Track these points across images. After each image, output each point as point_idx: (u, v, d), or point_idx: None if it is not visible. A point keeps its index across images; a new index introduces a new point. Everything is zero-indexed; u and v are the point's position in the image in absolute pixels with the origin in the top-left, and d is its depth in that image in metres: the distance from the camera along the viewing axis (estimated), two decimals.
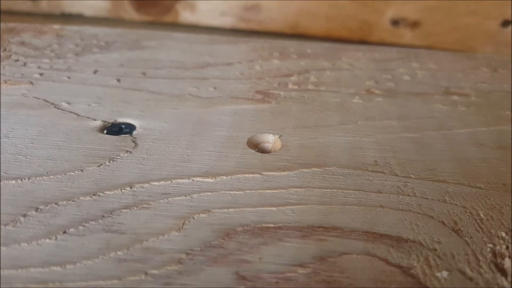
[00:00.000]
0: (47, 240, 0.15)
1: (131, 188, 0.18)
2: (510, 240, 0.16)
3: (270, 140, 0.21)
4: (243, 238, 0.16)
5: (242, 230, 0.16)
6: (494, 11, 0.32)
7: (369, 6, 0.33)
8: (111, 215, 0.16)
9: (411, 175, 0.19)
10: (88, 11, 0.41)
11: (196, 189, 0.18)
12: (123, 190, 0.18)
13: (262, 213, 0.17)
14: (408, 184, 0.19)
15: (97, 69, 0.27)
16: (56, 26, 0.33)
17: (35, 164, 0.19)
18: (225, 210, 0.17)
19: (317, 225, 0.16)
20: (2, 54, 0.28)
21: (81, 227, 0.16)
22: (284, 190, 0.18)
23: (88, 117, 0.22)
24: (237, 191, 0.18)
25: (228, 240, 0.16)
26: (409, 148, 0.21)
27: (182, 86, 0.26)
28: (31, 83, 0.25)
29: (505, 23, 0.32)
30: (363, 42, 0.33)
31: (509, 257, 0.15)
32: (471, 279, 0.15)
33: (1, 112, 0.22)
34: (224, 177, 0.18)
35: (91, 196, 0.17)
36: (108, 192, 0.17)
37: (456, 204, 0.18)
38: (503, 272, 0.15)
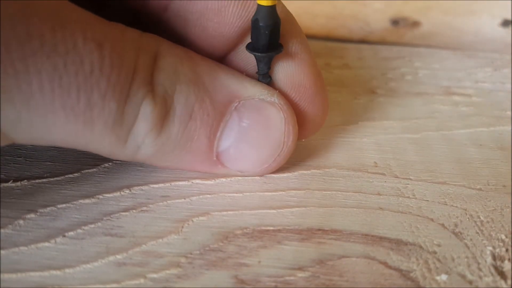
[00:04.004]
0: (46, 244, 0.15)
1: (130, 190, 0.18)
2: (510, 243, 0.16)
3: None
4: (242, 241, 0.16)
5: (241, 233, 0.16)
6: (494, 11, 0.32)
7: (369, 6, 0.33)
8: (110, 218, 0.16)
9: (411, 177, 0.19)
10: None
11: (195, 191, 0.18)
12: (122, 193, 0.18)
13: (261, 215, 0.17)
14: (408, 186, 0.19)
15: None
16: None
17: (34, 166, 0.19)
18: (224, 212, 0.17)
19: (317, 227, 0.16)
20: None
21: (80, 231, 0.16)
22: (283, 192, 0.18)
23: None
24: (236, 193, 0.18)
25: (227, 243, 0.16)
26: (409, 149, 0.21)
27: None
28: None
29: (505, 23, 0.32)
30: (363, 41, 0.33)
31: (509, 260, 0.15)
32: (470, 282, 0.14)
33: None
34: (223, 179, 0.18)
35: (90, 199, 0.17)
36: (107, 195, 0.17)
37: (456, 206, 0.18)
38: (502, 275, 0.15)
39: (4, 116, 0.13)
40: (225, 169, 0.18)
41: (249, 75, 0.18)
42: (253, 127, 0.17)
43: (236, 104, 0.17)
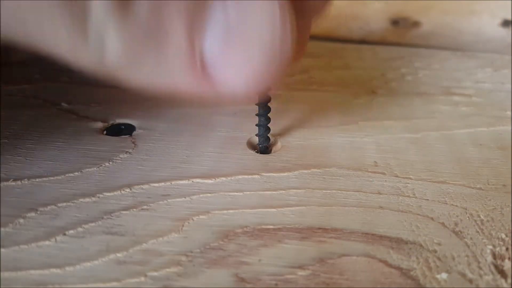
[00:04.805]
0: (47, 242, 0.15)
1: (130, 189, 0.18)
2: (510, 242, 0.16)
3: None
4: (242, 239, 0.16)
5: (241, 231, 0.16)
6: (494, 11, 0.32)
7: (369, 6, 0.33)
8: (111, 217, 0.16)
9: (411, 176, 0.19)
10: None
11: (195, 190, 0.18)
12: (122, 192, 0.18)
13: (261, 214, 0.17)
14: (408, 185, 0.19)
15: None
16: None
17: (34, 165, 0.19)
18: (225, 211, 0.17)
19: (317, 226, 0.16)
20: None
21: (80, 229, 0.16)
22: (283, 191, 0.18)
23: (88, 118, 0.22)
24: (236, 192, 0.18)
25: (227, 242, 0.16)
26: (409, 148, 0.21)
27: None
28: (31, 83, 0.25)
29: (505, 23, 0.32)
30: (363, 41, 0.33)
31: (509, 258, 0.15)
32: (471, 281, 0.14)
33: (1, 113, 0.22)
34: (224, 178, 0.18)
35: (90, 198, 0.17)
36: (108, 194, 0.17)
37: (456, 206, 0.18)
38: (503, 274, 0.15)
39: None
40: (210, 83, 0.14)
41: None
42: (242, 20, 0.13)
43: None
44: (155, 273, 0.14)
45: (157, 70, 0.13)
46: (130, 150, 0.20)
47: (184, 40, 0.13)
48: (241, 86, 0.14)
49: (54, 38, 0.12)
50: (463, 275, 0.15)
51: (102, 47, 0.13)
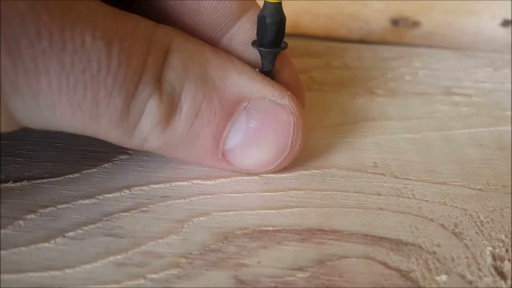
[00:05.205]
0: (46, 244, 0.15)
1: (130, 191, 0.18)
2: (509, 243, 0.16)
3: None
4: (242, 241, 0.16)
5: (241, 233, 0.16)
6: (494, 11, 0.32)
7: (369, 6, 0.33)
8: (110, 219, 0.16)
9: (411, 177, 0.19)
10: None
11: (195, 191, 0.18)
12: (122, 193, 0.18)
13: (261, 216, 0.17)
14: (408, 186, 0.19)
15: None
16: None
17: (34, 166, 0.19)
18: (224, 213, 0.17)
19: (316, 228, 0.16)
20: None
21: (80, 231, 0.16)
22: (283, 193, 0.18)
23: None
24: (236, 193, 0.18)
25: (227, 243, 0.16)
26: (409, 149, 0.21)
27: None
28: None
29: (505, 23, 0.32)
30: (363, 41, 0.33)
31: (509, 260, 0.15)
32: (470, 282, 0.14)
33: None
34: (223, 180, 0.18)
35: (90, 199, 0.17)
36: (107, 195, 0.17)
37: (456, 207, 0.18)
38: (502, 275, 0.15)
39: (14, 107, 0.14)
40: (230, 166, 0.18)
41: (249, 62, 0.18)
42: (261, 129, 0.17)
43: (246, 104, 0.17)
44: (154, 275, 0.14)
45: (186, 156, 0.17)
46: (130, 151, 0.20)
47: (211, 143, 0.17)
48: (253, 170, 0.18)
49: (105, 137, 0.16)
50: (463, 276, 0.15)
51: (143, 143, 0.16)
